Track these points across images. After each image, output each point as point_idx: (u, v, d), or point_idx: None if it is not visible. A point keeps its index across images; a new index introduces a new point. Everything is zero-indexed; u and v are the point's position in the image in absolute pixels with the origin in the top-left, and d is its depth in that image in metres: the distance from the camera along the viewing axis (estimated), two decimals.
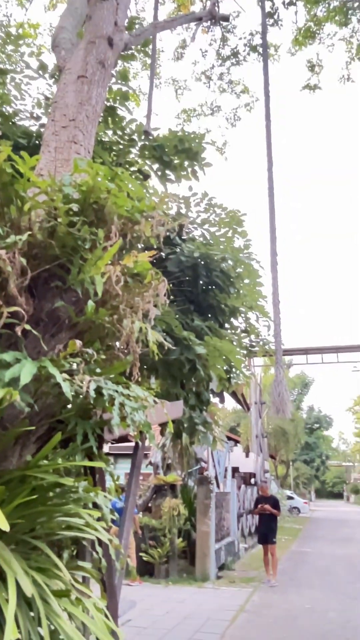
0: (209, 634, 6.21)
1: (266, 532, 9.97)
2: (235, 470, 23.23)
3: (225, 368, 5.90)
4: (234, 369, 6.14)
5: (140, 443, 4.28)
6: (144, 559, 9.99)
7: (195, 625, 6.57)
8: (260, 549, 10.22)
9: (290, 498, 36.64)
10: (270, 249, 5.18)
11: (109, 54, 3.77)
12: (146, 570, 10.06)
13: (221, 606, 7.66)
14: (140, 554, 10.04)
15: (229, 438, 30.51)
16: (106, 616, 2.45)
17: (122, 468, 19.32)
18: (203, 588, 9.05)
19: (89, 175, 2.63)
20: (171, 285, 5.69)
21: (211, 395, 15.01)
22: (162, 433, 5.73)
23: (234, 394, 17.47)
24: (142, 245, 3.67)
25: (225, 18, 5.69)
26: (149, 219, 2.97)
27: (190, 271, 5.69)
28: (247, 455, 22.56)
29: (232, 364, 5.76)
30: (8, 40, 5.87)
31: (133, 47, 5.42)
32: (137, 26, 6.28)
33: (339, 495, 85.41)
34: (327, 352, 22.33)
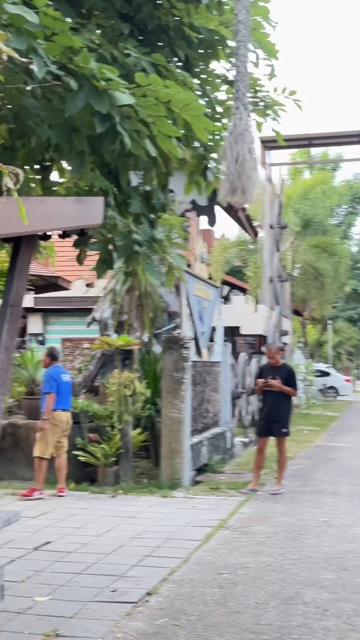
0: (163, 558, 6.62)
1: (271, 418, 10.38)
2: (233, 330, 24.03)
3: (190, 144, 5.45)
4: (210, 151, 5.71)
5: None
6: (81, 459, 10.50)
7: (145, 548, 6.99)
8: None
9: (323, 374, 38.95)
10: None
11: None
12: (85, 475, 10.63)
13: (192, 521, 8.20)
14: (76, 452, 10.53)
15: (228, 284, 31.23)
16: None
17: (59, 331, 19.82)
18: (169, 498, 9.68)
19: None
20: None
21: (181, 204, 14.73)
22: (79, 260, 5.45)
23: (232, 211, 17.01)
24: None
25: None
26: None
27: None
28: (255, 310, 23.13)
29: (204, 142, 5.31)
30: None
31: None
32: None
33: None
34: None
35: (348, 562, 6.55)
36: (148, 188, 5.62)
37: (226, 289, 32.48)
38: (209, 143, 5.49)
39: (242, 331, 23.16)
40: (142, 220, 5.53)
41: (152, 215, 5.68)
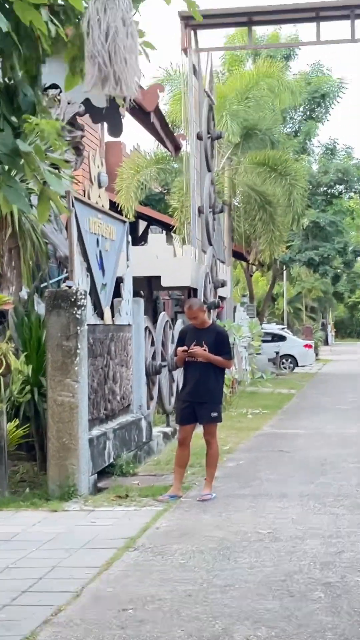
0: (47, 593, 6.65)
1: (196, 400, 10.48)
2: (152, 282, 24.01)
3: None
4: None
5: None
6: None
7: (22, 582, 7.01)
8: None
9: (276, 338, 39.54)
10: None
11: None
12: None
13: (89, 542, 8.28)
14: None
15: (145, 217, 31.10)
16: None
17: None
18: (59, 512, 9.74)
19: None
20: None
21: (69, 105, 14.57)
22: None
23: (142, 115, 16.69)
24: None
25: None
26: None
27: None
28: (181, 253, 23.17)
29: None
30: None
31: None
32: None
33: None
34: None
35: (295, 585, 6.70)
36: (11, 81, 5.54)
37: (143, 224, 32.45)
38: None
39: (164, 283, 23.12)
40: (1, 126, 5.43)
41: (15, 119, 5.57)
